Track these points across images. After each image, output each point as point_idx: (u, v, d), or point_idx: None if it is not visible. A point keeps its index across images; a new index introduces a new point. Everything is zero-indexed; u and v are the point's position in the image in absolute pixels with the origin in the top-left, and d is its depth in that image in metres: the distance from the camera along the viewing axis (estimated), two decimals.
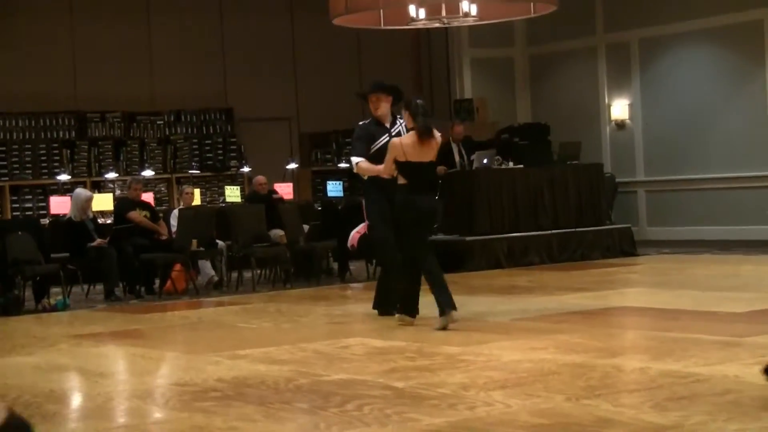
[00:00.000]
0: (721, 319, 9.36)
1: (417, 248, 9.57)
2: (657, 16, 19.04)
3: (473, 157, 16.46)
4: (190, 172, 19.98)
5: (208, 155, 20.29)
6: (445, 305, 9.30)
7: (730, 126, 18.11)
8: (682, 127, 18.75)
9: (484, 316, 10.32)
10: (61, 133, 19.30)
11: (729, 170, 18.11)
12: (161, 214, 15.32)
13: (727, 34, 18.16)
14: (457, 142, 16.85)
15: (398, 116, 10.32)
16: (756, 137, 17.76)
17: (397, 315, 9.79)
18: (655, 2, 19.11)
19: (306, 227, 15.39)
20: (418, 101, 9.70)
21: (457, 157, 16.68)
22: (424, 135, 9.49)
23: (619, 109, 19.77)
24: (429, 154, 9.56)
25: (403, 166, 9.50)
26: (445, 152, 16.83)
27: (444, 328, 9.21)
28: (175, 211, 15.06)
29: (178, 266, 14.30)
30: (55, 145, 19.19)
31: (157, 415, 6.64)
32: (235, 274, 14.89)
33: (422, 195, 9.55)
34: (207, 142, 20.30)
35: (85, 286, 14.28)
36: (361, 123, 10.60)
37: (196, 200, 16.48)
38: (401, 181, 9.56)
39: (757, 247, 16.42)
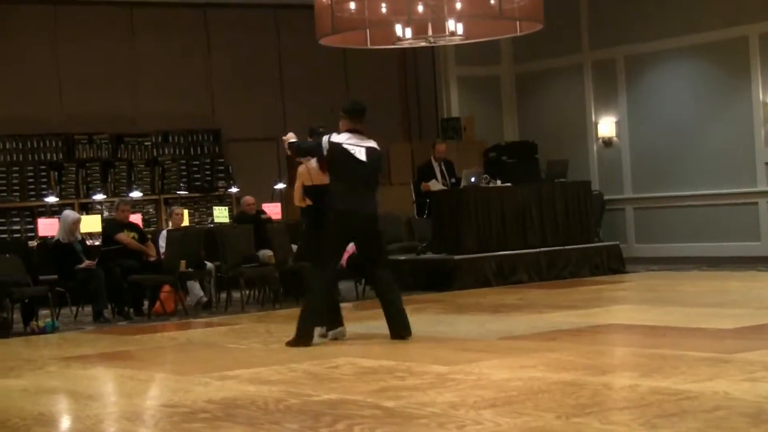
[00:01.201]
0: (710, 335, 9.37)
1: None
2: (643, 33, 19.10)
3: (461, 175, 16.52)
4: (178, 193, 19.97)
5: (195, 176, 20.28)
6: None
7: (717, 143, 18.15)
8: (669, 144, 18.79)
9: (473, 334, 10.31)
10: (48, 155, 19.27)
11: (716, 187, 18.15)
12: (149, 236, 15.31)
13: (713, 51, 18.23)
14: (439, 161, 16.90)
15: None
16: (743, 154, 17.81)
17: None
18: (640, 19, 19.17)
19: (295, 247, 15.36)
20: (321, 128, 10.55)
21: (439, 176, 16.73)
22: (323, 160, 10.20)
23: (606, 126, 19.81)
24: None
25: (310, 189, 10.43)
26: (425, 171, 16.94)
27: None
28: (164, 232, 15.06)
29: (166, 287, 14.28)
30: (43, 167, 19.17)
31: None
32: (224, 295, 14.88)
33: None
34: (195, 162, 20.29)
35: (74, 308, 14.25)
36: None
37: (185, 221, 16.47)
38: (307, 203, 10.50)
39: (744, 264, 16.45)
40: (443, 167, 16.85)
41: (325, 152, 9.96)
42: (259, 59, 21.04)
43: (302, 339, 9.84)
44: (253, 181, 19.83)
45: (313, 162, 10.35)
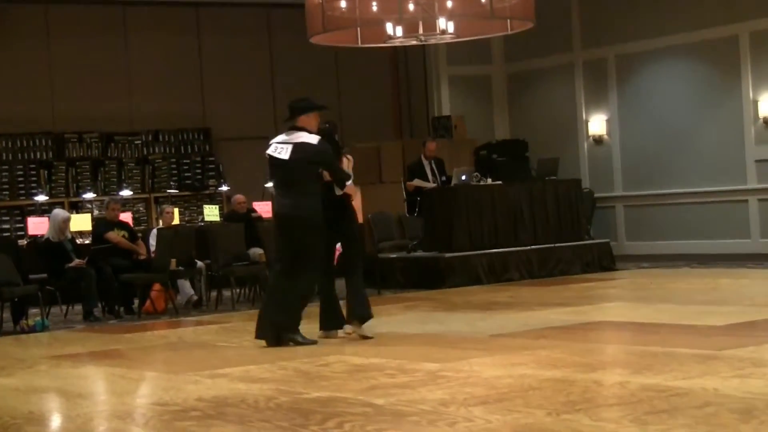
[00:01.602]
0: (700, 332, 9.39)
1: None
2: (633, 32, 19.13)
3: (452, 173, 16.52)
4: (169, 191, 19.95)
5: (186, 175, 20.27)
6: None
7: (707, 140, 18.18)
8: (659, 142, 18.82)
9: (464, 332, 10.32)
10: (38, 154, 19.25)
11: (707, 184, 18.18)
12: (140, 234, 15.29)
13: (704, 49, 18.25)
14: (430, 159, 16.91)
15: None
16: (733, 151, 17.84)
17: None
18: (631, 18, 19.19)
19: None
20: (329, 128, 10.16)
21: (429, 175, 16.74)
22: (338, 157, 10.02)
23: (597, 124, 19.83)
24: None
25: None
26: (415, 169, 16.93)
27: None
28: (154, 231, 15.05)
29: (157, 286, 14.27)
30: (33, 165, 19.14)
31: None
32: (214, 294, 14.87)
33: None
34: (185, 161, 20.28)
35: (64, 307, 14.23)
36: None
37: (175, 220, 16.46)
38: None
39: (735, 261, 16.48)
40: (434, 165, 16.86)
41: None
42: (251, 58, 21.03)
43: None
44: (244, 179, 19.81)
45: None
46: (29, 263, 14.26)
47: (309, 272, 9.80)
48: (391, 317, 11.92)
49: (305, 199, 9.68)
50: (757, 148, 17.59)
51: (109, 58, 19.91)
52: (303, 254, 9.69)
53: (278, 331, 9.73)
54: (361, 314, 9.94)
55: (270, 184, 10.46)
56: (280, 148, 9.74)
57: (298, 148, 9.66)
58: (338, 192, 9.87)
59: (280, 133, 10.01)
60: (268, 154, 9.82)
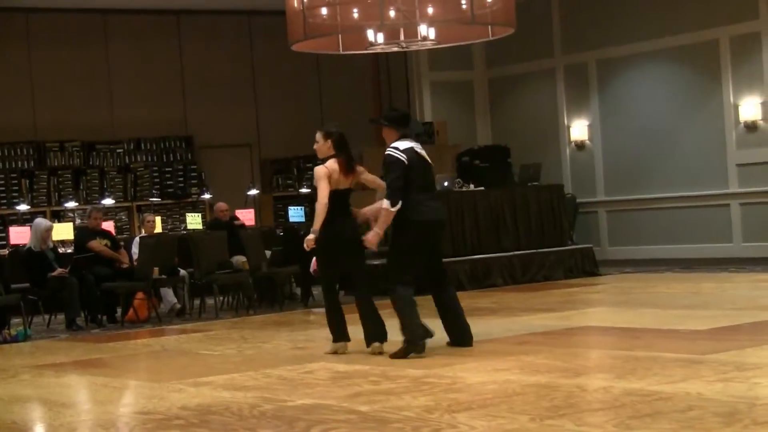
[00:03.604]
0: (683, 336, 9.41)
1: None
2: (614, 37, 19.18)
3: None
4: (151, 200, 19.92)
5: (168, 183, 20.24)
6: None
7: (688, 145, 18.23)
8: (641, 147, 18.86)
9: (448, 338, 10.30)
10: (20, 163, 19.21)
11: (688, 189, 18.23)
12: (122, 243, 15.25)
13: (684, 54, 18.31)
14: None
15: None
16: (714, 156, 17.89)
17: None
18: (612, 23, 19.24)
19: (268, 253, 15.37)
20: (340, 131, 9.66)
21: None
22: (350, 165, 9.55)
23: (579, 130, 19.87)
24: (349, 181, 9.59)
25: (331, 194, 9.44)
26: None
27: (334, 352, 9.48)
28: (137, 239, 15.02)
29: (140, 294, 14.23)
30: (14, 175, 19.10)
31: None
32: (197, 302, 14.83)
33: (344, 220, 9.53)
34: (167, 169, 20.25)
35: (47, 316, 14.18)
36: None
37: (158, 228, 16.42)
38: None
39: (717, 265, 16.52)
40: None
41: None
42: (232, 66, 21.02)
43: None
44: (226, 187, 19.81)
45: (334, 164, 9.51)
46: (11, 273, 14.19)
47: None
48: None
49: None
50: (739, 152, 17.64)
51: (90, 67, 19.88)
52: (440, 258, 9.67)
53: None
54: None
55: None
56: (420, 150, 9.31)
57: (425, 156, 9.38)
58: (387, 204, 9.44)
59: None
60: (413, 156, 9.15)
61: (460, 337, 9.46)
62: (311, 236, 9.33)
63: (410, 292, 9.20)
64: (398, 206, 9.07)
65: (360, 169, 9.76)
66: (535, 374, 7.72)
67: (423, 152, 9.32)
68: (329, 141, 9.61)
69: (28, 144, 19.34)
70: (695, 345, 8.77)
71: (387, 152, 9.22)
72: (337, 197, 9.43)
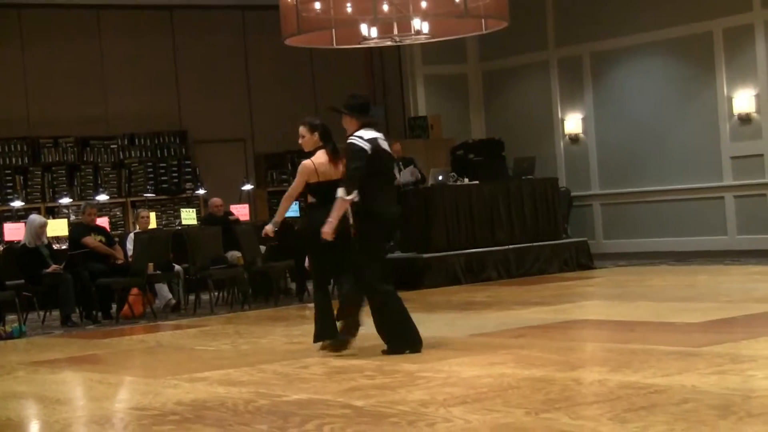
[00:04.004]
0: (678, 329, 9.42)
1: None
2: (608, 30, 19.17)
3: (428, 173, 16.54)
4: (145, 195, 19.90)
5: (162, 178, 20.21)
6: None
7: (682, 138, 18.24)
8: (635, 140, 18.86)
9: (443, 332, 10.31)
10: (13, 159, 19.17)
11: (683, 182, 18.23)
12: (117, 239, 15.25)
13: (678, 46, 18.31)
14: (397, 161, 16.92)
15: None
16: (708, 148, 17.89)
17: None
18: (605, 16, 19.24)
19: (263, 248, 15.36)
20: (323, 122, 9.64)
21: (398, 175, 16.75)
22: (336, 155, 9.42)
23: (573, 123, 19.87)
24: (339, 173, 9.37)
25: (317, 186, 9.39)
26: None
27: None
28: (131, 235, 15.02)
29: (135, 290, 14.24)
30: (8, 171, 19.06)
31: None
32: (192, 297, 14.84)
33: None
34: (162, 165, 20.22)
35: (41, 313, 14.17)
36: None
37: (152, 224, 16.40)
38: (311, 200, 9.52)
39: (712, 258, 16.54)
40: (401, 166, 16.86)
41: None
42: (226, 60, 20.99)
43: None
44: (221, 182, 19.79)
45: (323, 156, 9.44)
46: (6, 269, 14.18)
47: None
48: (370, 318, 11.88)
49: None
50: (733, 144, 17.65)
51: (84, 62, 19.84)
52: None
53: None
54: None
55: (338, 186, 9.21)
56: (383, 142, 9.05)
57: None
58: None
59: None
60: (377, 146, 8.93)
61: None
62: (269, 226, 9.54)
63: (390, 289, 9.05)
64: (353, 196, 8.85)
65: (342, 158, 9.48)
66: (531, 368, 7.72)
67: (386, 144, 9.12)
68: (316, 133, 9.56)
69: (21, 140, 19.30)
70: (690, 338, 8.78)
71: (350, 141, 9.00)
72: (327, 188, 9.26)
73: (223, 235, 15.05)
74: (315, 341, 9.44)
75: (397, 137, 19.14)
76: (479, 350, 8.86)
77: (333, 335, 9.33)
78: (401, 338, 8.96)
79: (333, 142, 9.58)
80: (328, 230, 8.87)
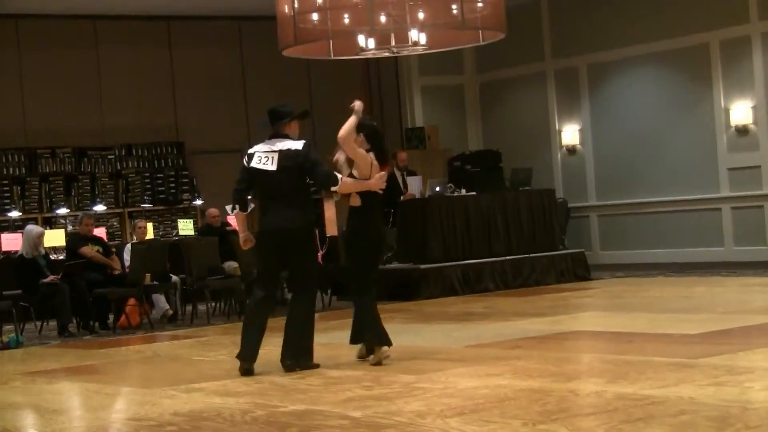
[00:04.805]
0: (675, 340, 9.42)
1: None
2: (605, 42, 19.20)
3: (425, 184, 16.56)
4: (143, 206, 19.89)
5: (160, 189, 20.20)
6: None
7: (679, 149, 18.26)
8: (632, 151, 18.89)
9: (440, 343, 10.31)
10: (11, 170, 19.16)
11: (680, 193, 18.26)
12: (114, 249, 15.24)
13: (674, 58, 18.35)
14: (402, 170, 16.95)
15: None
16: (705, 160, 17.92)
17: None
18: (602, 27, 19.28)
19: None
20: (372, 124, 9.31)
21: (402, 185, 16.78)
22: (386, 161, 9.25)
23: (570, 134, 19.90)
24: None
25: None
26: (388, 180, 16.91)
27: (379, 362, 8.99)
28: (128, 246, 15.01)
29: (131, 301, 14.23)
30: (6, 181, 19.04)
31: None
32: (189, 307, 14.83)
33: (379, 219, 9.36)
34: (159, 175, 20.22)
35: (38, 323, 14.16)
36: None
37: (149, 234, 16.40)
38: (356, 203, 9.16)
39: (708, 269, 16.54)
40: (405, 176, 16.89)
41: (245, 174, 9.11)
42: (223, 71, 20.99)
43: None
44: (218, 193, 19.73)
45: (342, 156, 9.19)
46: (3, 279, 14.17)
47: (314, 290, 9.44)
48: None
49: (300, 212, 9.01)
50: (729, 156, 17.68)
51: (81, 72, 19.84)
52: (308, 271, 9.19)
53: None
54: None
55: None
56: (264, 158, 9.04)
57: (284, 156, 8.98)
58: (323, 194, 9.23)
59: (257, 142, 9.40)
60: (252, 167, 9.07)
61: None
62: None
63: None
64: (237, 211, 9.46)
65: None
66: (528, 379, 7.72)
67: (270, 157, 9.12)
68: (361, 134, 9.19)
69: (19, 150, 19.28)
70: (687, 349, 8.78)
71: (305, 143, 9.07)
72: (370, 193, 9.13)
73: (220, 246, 15.05)
74: (380, 345, 9.02)
75: (395, 148, 19.15)
76: (476, 361, 8.86)
77: (387, 340, 9.08)
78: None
79: (382, 145, 9.30)
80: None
